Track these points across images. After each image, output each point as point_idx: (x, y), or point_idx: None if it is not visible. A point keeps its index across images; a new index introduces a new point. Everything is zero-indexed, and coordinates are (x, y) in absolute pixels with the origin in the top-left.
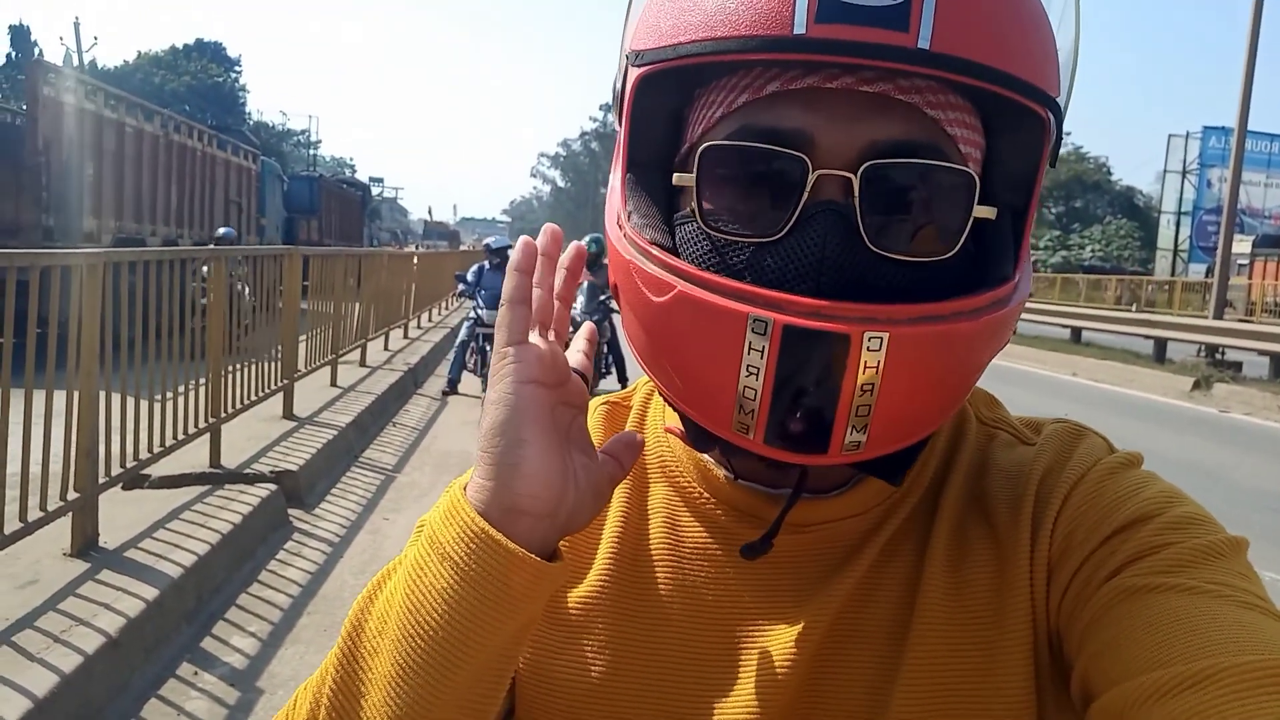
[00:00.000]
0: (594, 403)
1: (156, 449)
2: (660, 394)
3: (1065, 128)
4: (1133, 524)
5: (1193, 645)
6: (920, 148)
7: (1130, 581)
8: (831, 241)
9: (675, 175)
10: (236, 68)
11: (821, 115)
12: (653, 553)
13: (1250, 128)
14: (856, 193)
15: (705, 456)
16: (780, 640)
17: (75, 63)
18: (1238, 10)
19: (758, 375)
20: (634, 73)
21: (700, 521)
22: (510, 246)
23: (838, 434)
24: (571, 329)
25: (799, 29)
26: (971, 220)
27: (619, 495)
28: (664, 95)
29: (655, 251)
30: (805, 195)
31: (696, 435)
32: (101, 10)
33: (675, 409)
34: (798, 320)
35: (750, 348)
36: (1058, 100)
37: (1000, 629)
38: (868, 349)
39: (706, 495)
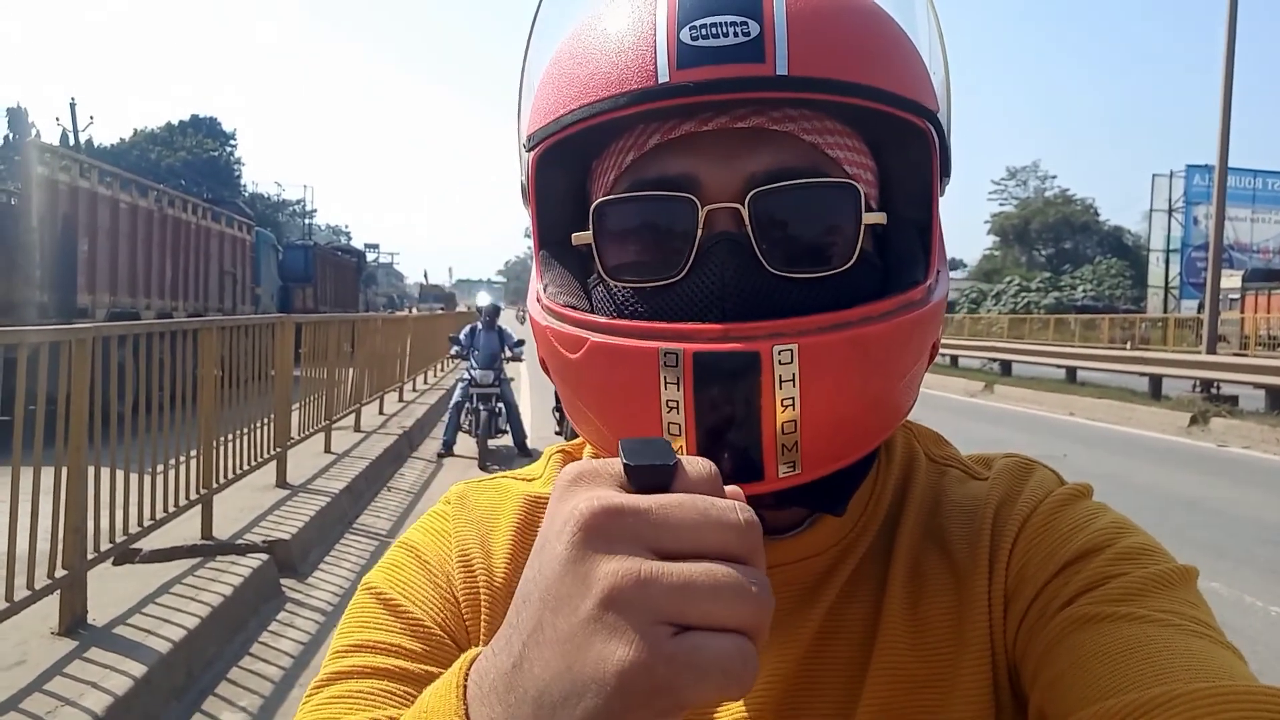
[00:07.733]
0: (547, 451)
1: (147, 522)
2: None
3: (1050, 170)
4: (1084, 555)
5: (1146, 673)
6: (800, 172)
7: (1083, 611)
8: (730, 268)
9: (574, 235)
10: (232, 142)
11: (703, 157)
12: None
13: (1233, 164)
14: (747, 220)
15: None
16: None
17: (71, 142)
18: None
19: (678, 409)
20: (529, 157)
21: None
22: (498, 307)
23: (769, 457)
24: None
25: (663, 77)
26: (864, 229)
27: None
28: (563, 173)
29: (569, 312)
30: (700, 232)
31: None
32: (99, 91)
33: None
34: (706, 346)
35: (666, 382)
36: (935, 113)
37: (958, 664)
38: (779, 363)
39: None
